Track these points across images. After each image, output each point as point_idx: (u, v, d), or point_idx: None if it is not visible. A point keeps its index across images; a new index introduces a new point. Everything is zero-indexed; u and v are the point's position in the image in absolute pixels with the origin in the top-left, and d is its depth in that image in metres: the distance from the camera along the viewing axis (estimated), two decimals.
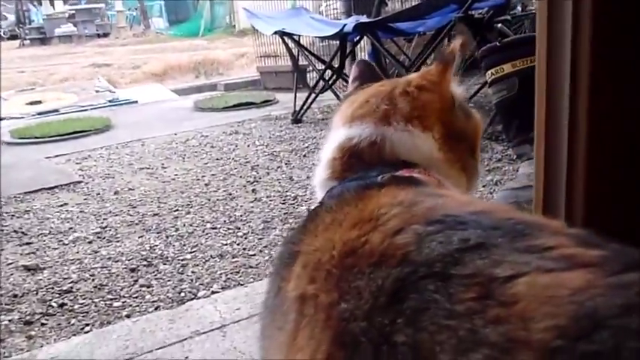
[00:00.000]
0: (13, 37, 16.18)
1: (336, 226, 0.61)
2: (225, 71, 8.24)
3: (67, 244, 2.50)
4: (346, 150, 0.79)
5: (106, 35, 14.85)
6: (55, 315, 1.93)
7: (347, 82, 0.90)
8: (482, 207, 0.58)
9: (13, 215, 2.90)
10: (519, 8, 4.81)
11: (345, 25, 4.13)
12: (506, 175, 2.85)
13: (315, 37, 5.08)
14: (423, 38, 4.59)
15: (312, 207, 0.75)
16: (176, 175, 3.41)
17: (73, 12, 15.00)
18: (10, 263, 2.34)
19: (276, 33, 4.62)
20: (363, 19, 4.44)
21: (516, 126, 2.30)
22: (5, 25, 17.49)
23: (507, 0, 3.95)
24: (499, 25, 3.54)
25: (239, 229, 2.52)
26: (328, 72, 4.49)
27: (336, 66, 4.40)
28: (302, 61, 5.03)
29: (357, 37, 4.37)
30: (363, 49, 5.08)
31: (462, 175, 0.84)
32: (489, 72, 2.31)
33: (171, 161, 3.72)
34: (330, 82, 4.50)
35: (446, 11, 3.71)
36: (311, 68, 5.04)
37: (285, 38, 4.67)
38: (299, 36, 4.70)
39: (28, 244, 2.54)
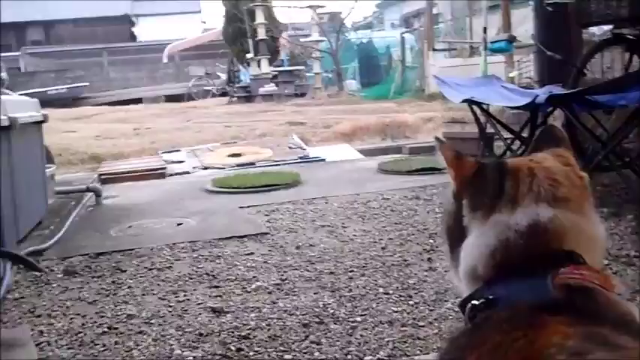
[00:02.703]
0: (223, 95, 18.11)
1: (503, 353, 0.63)
2: (412, 134, 8.34)
3: (249, 292, 2.68)
4: (506, 241, 0.76)
5: (302, 95, 15.91)
6: (232, 358, 2.07)
7: None
8: None
9: (207, 259, 3.18)
10: None
11: (537, 95, 4.00)
12: None
13: (505, 106, 4.99)
14: (625, 111, 4.28)
15: (478, 312, 0.75)
16: (354, 235, 3.50)
17: (277, 73, 16.33)
18: (200, 303, 2.57)
19: (464, 101, 4.62)
20: (558, 89, 4.27)
21: None
22: (218, 83, 19.70)
23: None
24: None
25: (411, 297, 2.52)
26: (517, 142, 4.36)
27: (525, 136, 4.26)
28: (489, 129, 4.95)
29: (550, 109, 4.21)
30: (557, 118, 4.87)
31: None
32: None
33: (351, 221, 3.84)
34: (518, 153, 4.36)
35: None
36: (498, 137, 4.94)
37: (474, 106, 4.65)
38: (488, 104, 4.66)
39: (216, 287, 2.77)
